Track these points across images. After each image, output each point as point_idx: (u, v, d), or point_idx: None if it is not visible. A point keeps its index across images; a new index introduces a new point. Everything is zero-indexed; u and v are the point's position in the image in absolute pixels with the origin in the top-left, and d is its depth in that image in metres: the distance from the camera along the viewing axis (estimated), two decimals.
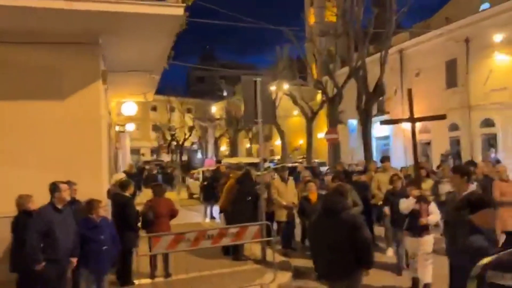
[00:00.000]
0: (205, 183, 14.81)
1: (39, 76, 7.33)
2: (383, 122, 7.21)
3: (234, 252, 9.17)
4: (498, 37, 24.52)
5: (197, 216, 15.60)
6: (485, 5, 28.24)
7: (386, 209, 8.44)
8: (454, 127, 27.96)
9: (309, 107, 28.25)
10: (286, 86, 28.58)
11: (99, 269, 6.01)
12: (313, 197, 8.58)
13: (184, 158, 49.67)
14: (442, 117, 7.95)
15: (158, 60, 9.55)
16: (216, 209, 15.61)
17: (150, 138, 57.82)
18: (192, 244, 6.74)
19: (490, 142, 26.36)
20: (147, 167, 25.59)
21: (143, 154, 55.39)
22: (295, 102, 26.41)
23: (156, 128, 56.21)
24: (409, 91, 7.31)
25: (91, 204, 5.94)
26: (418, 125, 31.10)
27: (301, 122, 33.62)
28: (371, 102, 17.51)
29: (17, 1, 5.98)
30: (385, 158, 10.47)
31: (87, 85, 7.59)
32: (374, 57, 21.76)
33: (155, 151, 57.74)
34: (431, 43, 29.48)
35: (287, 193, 8.50)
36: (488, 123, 26.19)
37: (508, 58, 24.48)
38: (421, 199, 6.87)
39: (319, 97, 36.10)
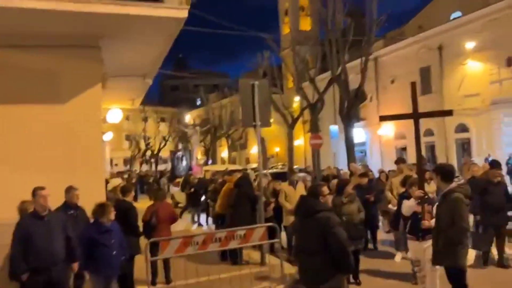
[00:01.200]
0: (192, 190, 14.71)
1: (39, 80, 7.16)
2: (382, 118, 7.03)
3: (232, 257, 9.12)
4: (470, 45, 25.35)
5: (184, 223, 15.46)
6: (457, 14, 29.17)
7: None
8: (429, 133, 28.66)
9: (290, 114, 28.51)
10: None
11: (109, 274, 5.90)
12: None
13: (161, 167, 49.17)
14: (448, 112, 7.68)
15: (153, 64, 9.47)
16: (203, 216, 15.64)
17: (123, 148, 57.03)
18: (200, 248, 6.69)
19: (465, 147, 27.14)
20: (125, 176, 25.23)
21: (116, 164, 54.55)
22: (276, 109, 26.59)
23: (129, 138, 55.55)
24: (413, 85, 7.09)
25: (104, 207, 5.83)
26: (394, 131, 31.84)
27: (277, 130, 33.85)
28: (353, 107, 17.81)
29: (24, 2, 5.84)
30: (399, 160, 10.44)
31: (87, 89, 7.45)
32: (349, 65, 22.22)
33: (128, 161, 56.96)
34: (405, 50, 30.23)
35: (295, 198, 8.25)
36: (462, 128, 26.97)
37: (480, 64, 25.32)
38: (424, 200, 6.44)
39: (296, 104, 36.48)
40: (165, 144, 50.59)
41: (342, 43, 18.66)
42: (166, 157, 55.99)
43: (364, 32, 20.11)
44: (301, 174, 10.98)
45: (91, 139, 7.44)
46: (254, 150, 49.24)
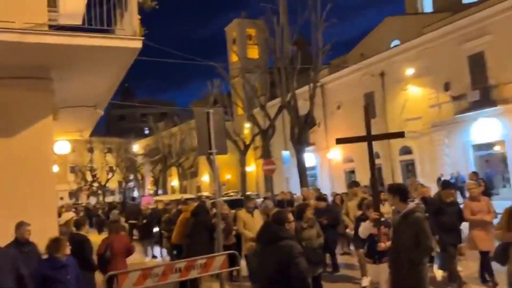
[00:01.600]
0: (144, 221, 14.38)
1: None
2: (338, 141, 6.90)
3: (193, 287, 8.98)
4: (409, 71, 26.77)
5: (137, 256, 15.02)
6: (396, 42, 30.76)
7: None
8: (375, 155, 29.58)
9: (242, 140, 28.72)
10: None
11: None
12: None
13: (108, 199, 47.76)
14: (400, 134, 7.65)
15: (105, 94, 9.35)
16: (156, 248, 15.28)
17: (68, 180, 55.07)
18: (160, 279, 6.55)
19: (409, 168, 28.26)
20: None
21: (61, 198, 52.48)
22: (227, 136, 26.70)
23: (74, 170, 53.76)
24: (366, 108, 7.16)
25: (58, 242, 5.62)
26: (343, 155, 32.61)
27: (227, 157, 33.88)
28: (303, 133, 18.22)
29: None
30: (353, 183, 10.58)
31: (38, 121, 7.24)
32: (297, 92, 22.83)
33: (74, 194, 55.02)
34: (349, 77, 31.43)
35: (254, 225, 8.10)
36: (406, 150, 28.14)
37: (419, 89, 26.72)
38: (380, 222, 6.32)
39: (246, 130, 36.79)
40: (112, 175, 49.34)
41: (291, 71, 19.18)
42: (114, 188, 54.54)
43: (310, 60, 20.78)
44: (266, 201, 10.83)
45: (42, 172, 7.21)
46: (205, 178, 48.93)
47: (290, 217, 4.63)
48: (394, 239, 5.39)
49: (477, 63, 23.58)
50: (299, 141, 18.01)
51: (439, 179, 21.39)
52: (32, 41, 6.38)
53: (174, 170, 47.64)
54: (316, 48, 19.03)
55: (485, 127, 23.07)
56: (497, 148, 23.57)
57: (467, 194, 10.28)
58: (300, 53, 21.06)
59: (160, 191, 44.63)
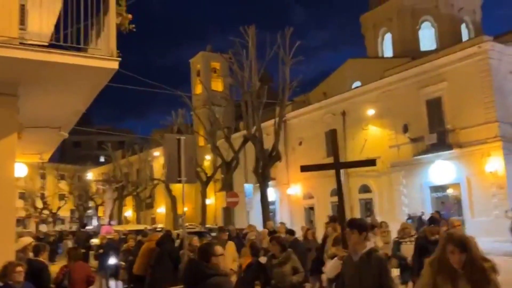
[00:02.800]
0: (101, 251, 13.75)
1: None
2: (304, 168, 6.51)
3: None
4: (370, 112, 27.53)
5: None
6: (357, 83, 31.73)
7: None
8: (335, 193, 29.85)
9: (203, 171, 28.41)
10: None
11: None
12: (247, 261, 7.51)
13: (58, 227, 45.71)
14: (371, 162, 7.44)
15: (72, 116, 9.02)
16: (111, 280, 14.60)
17: (16, 207, 52.58)
18: None
19: (367, 206, 28.68)
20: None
21: None
22: None
23: (23, 196, 51.42)
24: (334, 132, 7.08)
25: (6, 268, 5.28)
26: (302, 191, 32.73)
27: (186, 188, 33.45)
28: (267, 166, 18.22)
29: None
30: (332, 218, 10.42)
31: (1, 140, 6.87)
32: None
33: (22, 221, 52.42)
34: (311, 115, 32.00)
35: (224, 258, 7.54)
36: (365, 189, 28.63)
37: (379, 130, 27.48)
38: None
39: (207, 162, 36.51)
40: (65, 203, 47.51)
41: (257, 104, 19.35)
42: (65, 216, 52.46)
43: (272, 96, 21.10)
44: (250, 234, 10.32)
45: (3, 195, 6.77)
46: (161, 209, 47.85)
47: (218, 249, 4.09)
48: (352, 282, 4.54)
49: (434, 107, 24.59)
50: (263, 175, 17.97)
51: (419, 217, 21.69)
52: (3, 54, 6.11)
53: (129, 200, 46.42)
54: (283, 84, 19.34)
55: (442, 170, 23.86)
56: (452, 190, 24.33)
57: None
58: (266, 88, 21.33)
59: (113, 222, 43.18)
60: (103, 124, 78.52)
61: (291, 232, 10.06)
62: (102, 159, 66.64)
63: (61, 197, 48.20)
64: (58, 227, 46.06)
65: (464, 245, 3.32)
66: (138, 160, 42.44)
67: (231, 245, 8.49)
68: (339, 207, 6.66)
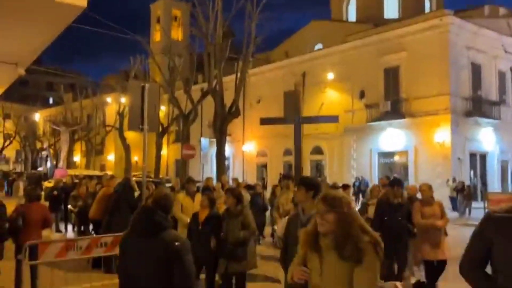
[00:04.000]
0: (55, 193, 13.52)
1: None
2: (263, 121, 6.55)
3: (105, 265, 8.64)
4: (330, 75, 27.81)
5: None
6: (319, 45, 31.83)
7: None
8: (288, 152, 30.49)
9: (160, 122, 27.98)
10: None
11: None
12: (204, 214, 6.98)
13: (3, 167, 44.15)
14: (333, 119, 7.63)
15: (32, 52, 8.60)
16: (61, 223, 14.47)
17: None
18: (83, 253, 6.22)
19: (318, 167, 29.44)
20: None
21: None
22: None
23: None
24: (297, 92, 7.26)
25: None
26: (257, 148, 33.06)
27: (138, 138, 32.97)
28: (226, 122, 18.20)
29: None
30: (286, 176, 9.92)
31: None
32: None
33: None
34: (272, 73, 31.96)
35: (194, 210, 7.15)
36: (318, 150, 29.28)
37: (337, 94, 27.90)
38: None
39: (162, 113, 35.94)
40: (10, 143, 45.71)
41: (220, 58, 19.07)
42: (9, 156, 50.63)
43: (234, 51, 20.88)
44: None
45: None
46: (111, 157, 47.07)
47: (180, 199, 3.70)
48: (297, 242, 3.86)
49: (392, 76, 25.18)
50: (221, 130, 17.96)
51: (355, 181, 22.37)
52: None
53: (77, 145, 45.24)
54: (248, 39, 19.11)
55: (392, 137, 24.73)
56: (399, 158, 25.36)
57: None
58: (230, 41, 21.01)
59: (59, 165, 42.09)
60: (51, 64, 75.12)
61: (250, 187, 10.22)
62: (51, 100, 64.22)
63: (6, 136, 46.24)
64: (3, 167, 44.52)
65: (333, 204, 2.85)
66: (91, 104, 41.15)
67: (199, 197, 8.48)
68: (296, 159, 6.79)
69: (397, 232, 6.88)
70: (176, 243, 3.33)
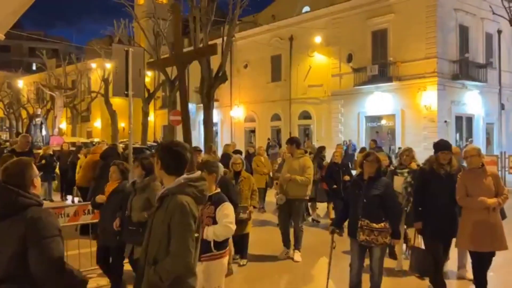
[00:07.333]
0: (44, 161, 13.37)
1: None
2: (150, 65, 6.73)
3: (93, 232, 8.65)
4: (317, 39, 27.51)
5: None
6: (306, 8, 31.31)
7: None
8: (276, 117, 30.52)
9: (146, 88, 27.61)
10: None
11: None
12: None
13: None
14: (212, 51, 8.10)
15: (10, 16, 8.33)
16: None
17: None
18: (71, 220, 6.22)
19: (306, 132, 29.54)
20: None
21: None
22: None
23: None
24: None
25: None
26: (245, 113, 32.94)
27: (122, 104, 32.62)
28: (213, 87, 18.00)
29: None
30: (290, 140, 9.10)
31: None
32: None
33: None
34: (259, 37, 31.48)
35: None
36: (306, 115, 29.29)
37: (324, 58, 27.69)
38: None
39: (147, 78, 35.43)
40: None
41: (205, 21, 18.67)
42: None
43: (219, 15, 20.42)
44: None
45: None
46: (97, 123, 46.62)
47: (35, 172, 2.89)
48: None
49: (379, 39, 24.97)
50: (208, 96, 17.78)
51: (343, 145, 22.38)
52: None
53: (63, 112, 44.61)
54: (234, 0, 18.69)
55: (379, 101, 24.77)
56: (386, 121, 25.48)
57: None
58: (214, 4, 20.53)
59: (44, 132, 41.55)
60: (34, 29, 73.12)
61: (239, 152, 10.22)
62: (34, 67, 62.83)
63: None
64: None
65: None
66: (76, 70, 40.33)
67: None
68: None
69: (447, 211, 5.34)
70: (38, 223, 2.66)
